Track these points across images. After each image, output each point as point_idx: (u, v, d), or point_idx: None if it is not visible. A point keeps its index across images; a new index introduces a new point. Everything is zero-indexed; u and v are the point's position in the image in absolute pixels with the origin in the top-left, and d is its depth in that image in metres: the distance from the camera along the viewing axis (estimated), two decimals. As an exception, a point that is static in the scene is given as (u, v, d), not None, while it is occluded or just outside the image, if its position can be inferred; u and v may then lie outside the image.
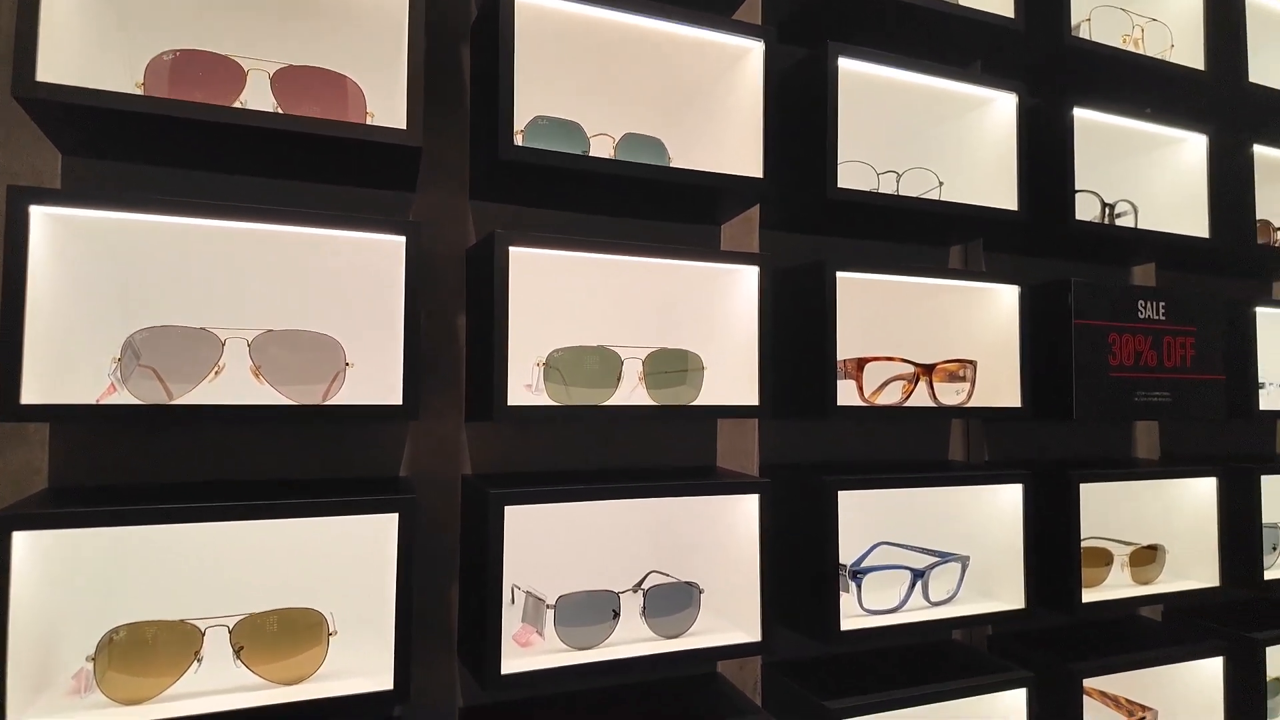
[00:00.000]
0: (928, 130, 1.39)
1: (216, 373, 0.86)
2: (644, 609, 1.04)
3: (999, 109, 1.29)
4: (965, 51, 1.38)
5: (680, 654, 1.00)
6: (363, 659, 0.91)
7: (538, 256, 0.97)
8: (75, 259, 0.84)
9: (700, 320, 1.16)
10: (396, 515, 0.86)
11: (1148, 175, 1.57)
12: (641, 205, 1.15)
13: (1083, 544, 1.37)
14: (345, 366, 0.91)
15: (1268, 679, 1.45)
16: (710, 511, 1.13)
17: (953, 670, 1.24)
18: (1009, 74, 1.42)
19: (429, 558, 1.06)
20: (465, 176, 1.10)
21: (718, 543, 1.12)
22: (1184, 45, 1.49)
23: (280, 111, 0.90)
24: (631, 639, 1.02)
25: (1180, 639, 1.42)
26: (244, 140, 0.87)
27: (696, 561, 1.14)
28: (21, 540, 0.75)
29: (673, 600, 1.05)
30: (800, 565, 1.15)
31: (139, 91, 0.86)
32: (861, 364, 1.18)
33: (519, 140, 1.01)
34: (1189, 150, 1.51)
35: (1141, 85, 1.48)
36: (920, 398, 1.21)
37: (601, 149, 1.07)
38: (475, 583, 0.95)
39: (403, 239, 0.88)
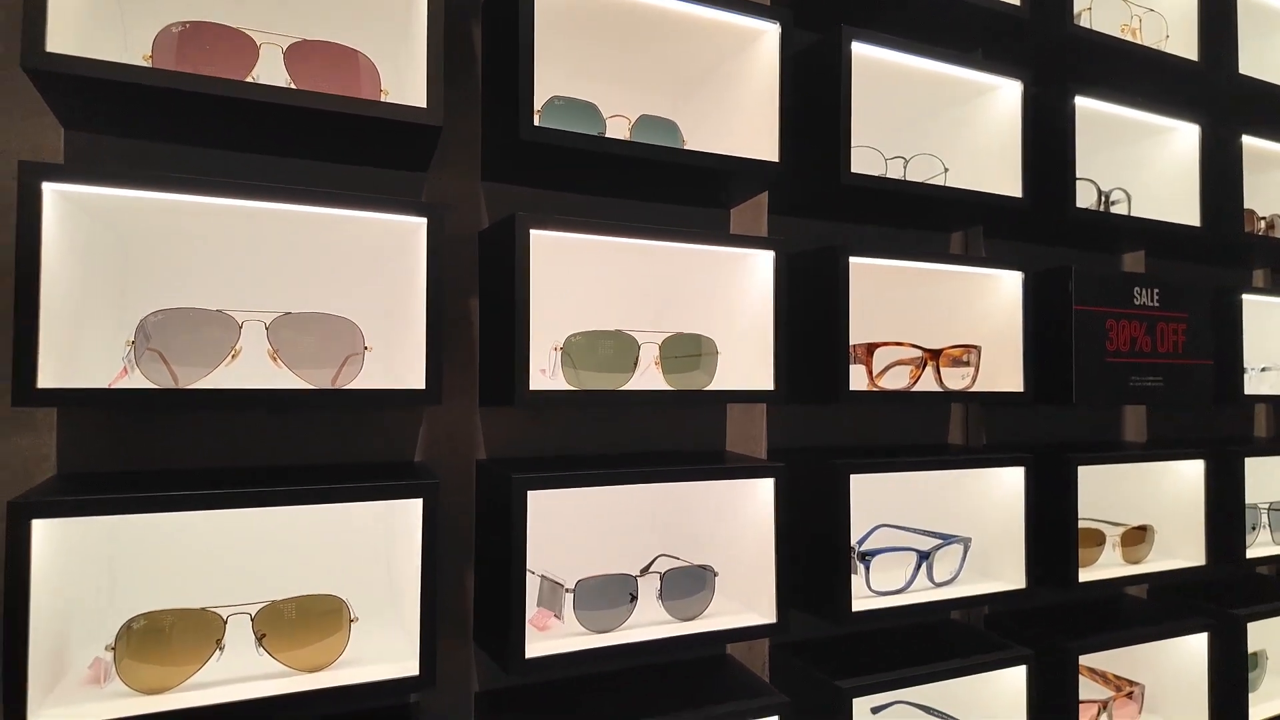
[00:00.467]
0: (933, 116, 1.40)
1: (234, 356, 0.84)
2: (660, 592, 1.04)
3: (1003, 96, 1.30)
4: (967, 38, 1.39)
5: (696, 636, 1.01)
6: (382, 644, 0.91)
7: (551, 240, 0.96)
8: (83, 238, 0.81)
9: (713, 304, 1.16)
10: (420, 500, 0.85)
11: (1140, 164, 1.59)
12: (653, 188, 1.14)
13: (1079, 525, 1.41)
14: (364, 350, 0.90)
15: (1249, 653, 1.50)
16: (723, 496, 1.14)
17: (954, 649, 1.27)
18: (1007, 62, 1.43)
19: (445, 544, 1.05)
20: (477, 157, 1.09)
21: (730, 526, 1.13)
22: (1178, 36, 1.52)
23: (294, 87, 0.88)
24: (647, 622, 1.02)
25: (1166, 616, 1.47)
26: (256, 116, 0.85)
27: (709, 545, 1.15)
28: (38, 530, 0.73)
29: (688, 583, 1.06)
30: (811, 548, 1.16)
31: (146, 65, 0.83)
32: (871, 349, 1.19)
33: (536, 120, 0.99)
34: (1181, 140, 1.54)
35: (1137, 75, 1.50)
36: (927, 382, 1.23)
37: (617, 130, 1.06)
38: (495, 567, 0.95)
39: (424, 221, 0.87)
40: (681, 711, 0.99)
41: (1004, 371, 1.30)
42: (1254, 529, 1.58)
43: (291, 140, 0.94)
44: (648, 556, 1.12)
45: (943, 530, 1.33)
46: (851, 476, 1.12)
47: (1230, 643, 1.47)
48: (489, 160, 1.06)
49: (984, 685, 1.31)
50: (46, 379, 0.73)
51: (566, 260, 1.09)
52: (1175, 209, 1.53)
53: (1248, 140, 1.58)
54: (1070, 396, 1.30)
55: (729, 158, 1.03)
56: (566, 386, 0.98)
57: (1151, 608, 1.55)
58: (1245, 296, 1.56)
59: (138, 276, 0.90)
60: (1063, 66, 1.45)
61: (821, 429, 1.35)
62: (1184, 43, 1.52)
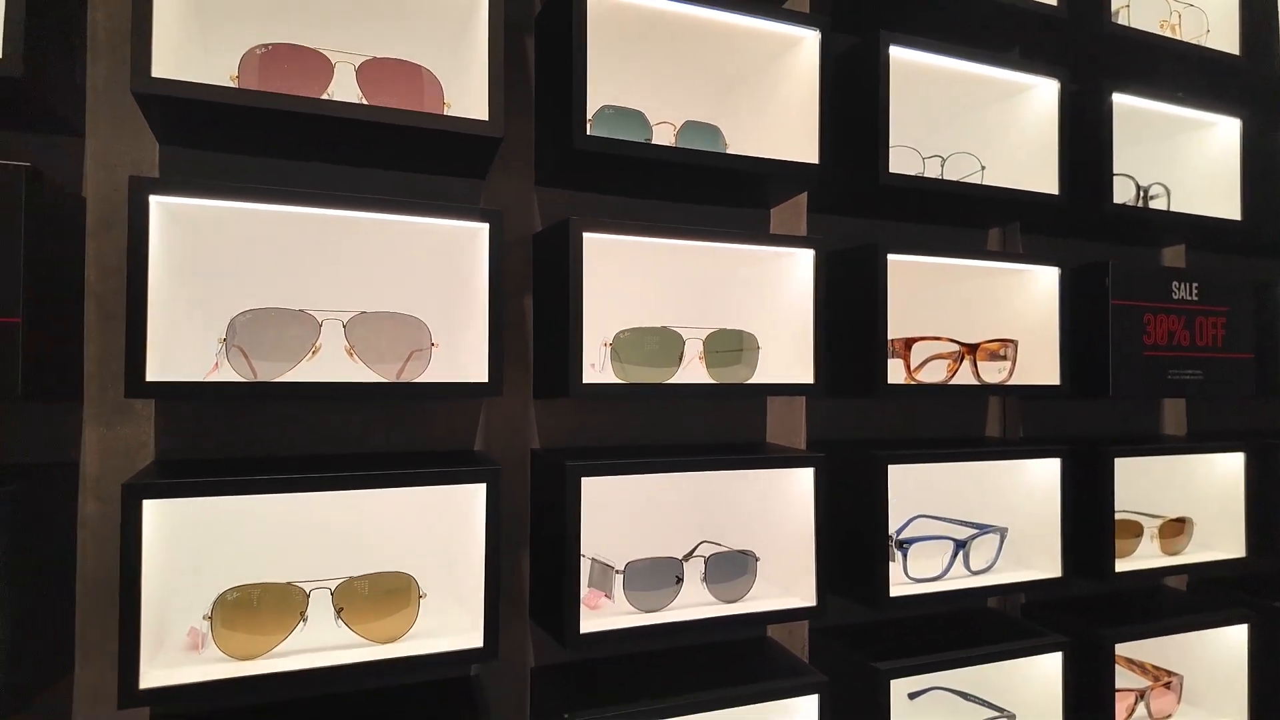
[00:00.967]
0: (971, 115, 1.43)
1: (314, 352, 0.91)
2: (704, 575, 1.09)
3: (1040, 94, 1.33)
4: (1005, 37, 1.41)
5: (739, 617, 1.06)
6: (447, 619, 0.98)
7: (602, 241, 1.01)
8: (178, 243, 0.89)
9: (754, 301, 1.21)
10: (484, 485, 0.92)
11: (1181, 158, 1.60)
12: (696, 190, 1.19)
13: (1116, 517, 1.43)
14: (431, 346, 0.97)
15: (1290, 645, 1.51)
16: (765, 485, 1.19)
17: (991, 635, 1.30)
18: (1045, 60, 1.45)
19: (502, 527, 1.11)
20: (530, 164, 1.15)
21: (772, 514, 1.18)
22: (1220, 31, 1.52)
23: (365, 102, 0.95)
24: (692, 603, 1.08)
25: (1205, 608, 1.48)
26: (333, 131, 0.92)
27: (752, 532, 1.20)
28: (146, 508, 0.81)
29: (731, 568, 1.11)
30: (850, 536, 1.20)
31: (233, 84, 0.91)
32: (909, 344, 1.23)
33: (588, 129, 1.05)
34: (1222, 134, 1.54)
35: (1177, 70, 1.51)
36: (964, 376, 1.26)
37: (663, 136, 1.12)
38: (551, 549, 1.01)
39: (485, 226, 0.93)
40: (724, 688, 1.04)
41: (1041, 365, 1.33)
42: (1297, 522, 1.58)
43: (362, 151, 1.01)
44: (693, 542, 1.17)
45: (981, 520, 1.36)
46: (890, 467, 1.17)
47: (1270, 634, 1.48)
48: (543, 166, 1.12)
49: (1020, 672, 1.34)
50: (152, 373, 0.81)
51: (616, 260, 1.15)
52: (1217, 203, 1.54)
53: (1292, 133, 1.57)
54: (1107, 390, 1.32)
55: (769, 160, 1.07)
56: (615, 380, 1.04)
57: (1190, 599, 1.56)
58: (1288, 290, 1.56)
59: (225, 279, 0.98)
60: (1101, 64, 1.47)
61: (862, 421, 1.39)
62: (1225, 37, 1.52)
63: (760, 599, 1.12)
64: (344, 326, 0.92)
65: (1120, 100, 1.37)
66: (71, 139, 0.93)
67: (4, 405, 0.90)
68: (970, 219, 1.42)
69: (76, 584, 0.92)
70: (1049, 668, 1.30)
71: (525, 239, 1.15)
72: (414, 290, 1.05)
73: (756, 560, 1.13)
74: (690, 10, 1.05)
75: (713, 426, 1.26)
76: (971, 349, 1.26)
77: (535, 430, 1.15)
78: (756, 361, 1.14)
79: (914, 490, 1.40)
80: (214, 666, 0.85)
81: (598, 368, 1.06)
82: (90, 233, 0.94)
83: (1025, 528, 1.35)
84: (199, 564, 0.96)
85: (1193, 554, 1.49)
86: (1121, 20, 1.42)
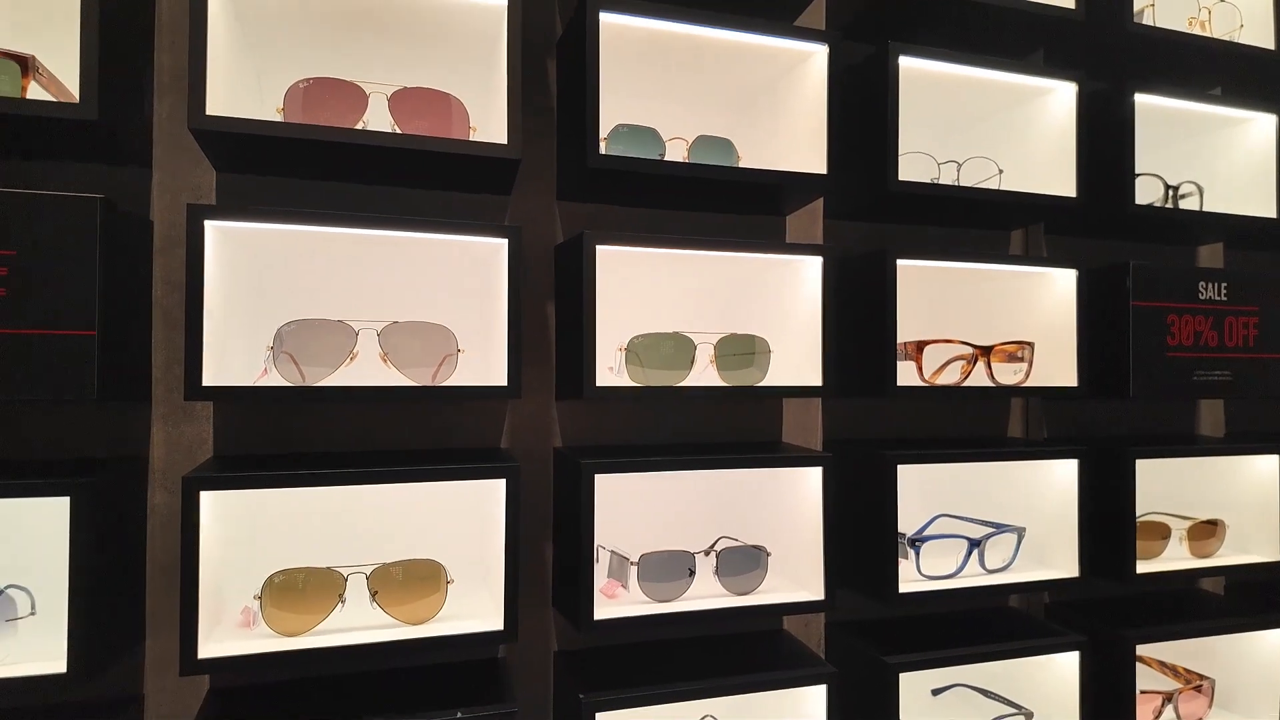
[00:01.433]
0: (990, 120, 1.44)
1: (351, 358, 1.00)
2: (717, 569, 1.15)
3: (1059, 97, 1.34)
4: (1027, 41, 1.42)
5: (749, 609, 1.12)
6: (473, 604, 1.06)
7: (620, 252, 1.08)
8: (230, 261, 0.99)
9: (768, 306, 1.25)
10: (504, 480, 1.00)
11: (1217, 156, 1.58)
12: (712, 200, 1.24)
13: (1142, 518, 1.42)
14: (458, 352, 1.05)
15: (1329, 652, 1.47)
16: (777, 483, 1.23)
17: (1009, 634, 1.32)
18: (1072, 61, 1.46)
19: (526, 520, 1.19)
20: (553, 179, 1.22)
21: (784, 511, 1.22)
22: (1255, 26, 1.49)
23: (397, 129, 1.03)
24: (706, 595, 1.13)
25: (1240, 612, 1.46)
26: (368, 156, 1.01)
27: (764, 528, 1.25)
28: (204, 499, 0.91)
29: (743, 561, 1.16)
30: (863, 533, 1.24)
31: (279, 116, 1.01)
32: (921, 346, 1.25)
33: (603, 147, 1.11)
34: (1258, 130, 1.51)
35: (1209, 67, 1.49)
36: (979, 377, 1.28)
37: (676, 151, 1.17)
38: (569, 541, 1.08)
39: (505, 241, 1.01)
40: (733, 675, 1.10)
41: (1061, 367, 1.34)
42: (1341, 526, 1.54)
43: (396, 172, 1.09)
44: (710, 537, 1.23)
45: (1003, 521, 1.38)
46: (907, 467, 1.21)
47: (1308, 640, 1.45)
48: (563, 181, 1.19)
49: (1043, 671, 1.35)
50: (208, 378, 0.91)
51: (633, 269, 1.21)
52: (1253, 201, 1.51)
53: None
54: (1128, 391, 1.32)
55: (777, 172, 1.12)
56: (631, 383, 1.10)
57: (1224, 603, 1.54)
58: (1329, 288, 1.52)
59: (273, 292, 1.08)
60: (1125, 64, 1.46)
61: (882, 422, 1.42)
62: (1261, 32, 1.50)
63: (771, 592, 1.17)
64: (378, 335, 1.01)
65: (1151, 100, 1.37)
66: (141, 169, 1.04)
67: (81, 407, 1.01)
68: (990, 221, 1.44)
69: (146, 566, 1.04)
70: (1071, 667, 1.31)
71: (549, 250, 1.22)
72: (443, 301, 1.13)
73: (768, 555, 1.18)
74: (704, 31, 1.11)
75: (731, 427, 1.31)
76: (985, 351, 1.28)
77: (557, 430, 1.22)
78: (768, 364, 1.18)
79: (938, 490, 1.42)
80: (263, 641, 0.95)
81: (615, 371, 1.13)
82: (157, 252, 1.05)
83: (1046, 528, 1.36)
84: (253, 549, 1.06)
85: (1226, 557, 1.48)
86: (1146, 19, 1.41)
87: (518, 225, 1.02)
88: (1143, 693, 1.40)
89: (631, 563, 1.11)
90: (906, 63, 1.22)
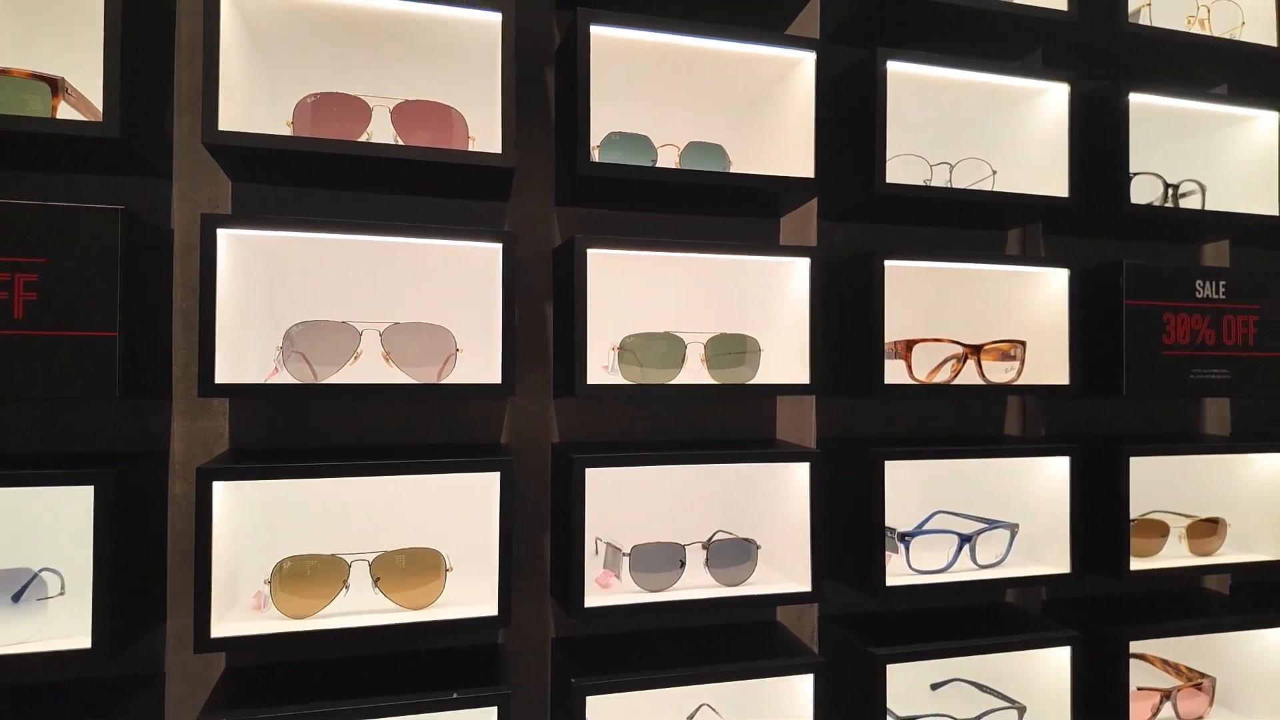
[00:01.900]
0: (984, 121, 1.46)
1: (355, 357, 1.06)
2: (707, 561, 1.19)
3: (1053, 98, 1.35)
4: (1023, 43, 1.43)
5: (738, 599, 1.16)
6: (471, 591, 1.11)
7: (614, 255, 1.12)
8: (244, 265, 1.06)
9: (760, 307, 1.29)
10: (498, 474, 1.05)
11: (1221, 154, 1.57)
12: (706, 204, 1.28)
13: (1141, 516, 1.43)
14: (456, 351, 1.10)
15: (1334, 652, 1.47)
16: (769, 478, 1.27)
17: (1002, 629, 1.34)
18: (1071, 61, 1.47)
19: (526, 513, 1.25)
20: (551, 185, 1.27)
21: (775, 506, 1.26)
22: (1257, 23, 1.49)
23: (400, 141, 1.09)
24: (697, 585, 1.17)
25: (1241, 611, 1.46)
26: (372, 166, 1.06)
27: (756, 522, 1.28)
28: (217, 489, 0.97)
29: (733, 554, 1.20)
30: (852, 527, 1.27)
31: (289, 129, 1.07)
32: (910, 345, 1.28)
33: (595, 155, 1.16)
34: (1262, 128, 1.51)
35: (1211, 65, 1.49)
36: (970, 376, 1.30)
37: (669, 157, 1.22)
38: (563, 532, 1.13)
39: (499, 246, 1.06)
40: (721, 664, 1.13)
41: (1056, 365, 1.35)
42: (1349, 526, 1.53)
43: (399, 181, 1.15)
44: (704, 530, 1.27)
45: (999, 518, 1.39)
46: (905, 465, 1.23)
47: (1311, 640, 1.45)
48: (560, 188, 1.24)
49: (1038, 667, 1.37)
50: (221, 376, 0.97)
51: (628, 271, 1.25)
52: (1257, 199, 1.51)
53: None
54: (1121, 389, 1.33)
55: (763, 177, 1.16)
56: (624, 381, 1.15)
57: (1228, 602, 1.54)
58: (1334, 285, 1.51)
59: (283, 295, 1.14)
60: (1124, 64, 1.47)
61: (876, 420, 1.45)
62: (1264, 29, 1.49)
63: (762, 584, 1.20)
64: (380, 335, 1.07)
65: (1152, 100, 1.38)
66: (162, 180, 1.12)
67: (107, 403, 1.09)
68: (985, 222, 1.45)
69: (167, 551, 1.11)
70: (1064, 663, 1.32)
71: (547, 253, 1.27)
72: (446, 303, 1.19)
73: (758, 548, 1.21)
74: (695, 41, 1.14)
75: (726, 425, 1.35)
76: (975, 350, 1.30)
77: (555, 426, 1.27)
78: (758, 363, 1.22)
79: (937, 488, 1.45)
80: (272, 623, 1.01)
81: (609, 369, 1.17)
82: (177, 258, 1.12)
83: (1041, 525, 1.37)
84: (268, 537, 1.13)
85: (1229, 555, 1.47)
86: (1143, 19, 1.42)
87: (512, 231, 1.07)
88: (1140, 689, 1.41)
89: (624, 554, 1.15)
90: (898, 67, 1.24)
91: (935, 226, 1.48)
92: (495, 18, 1.05)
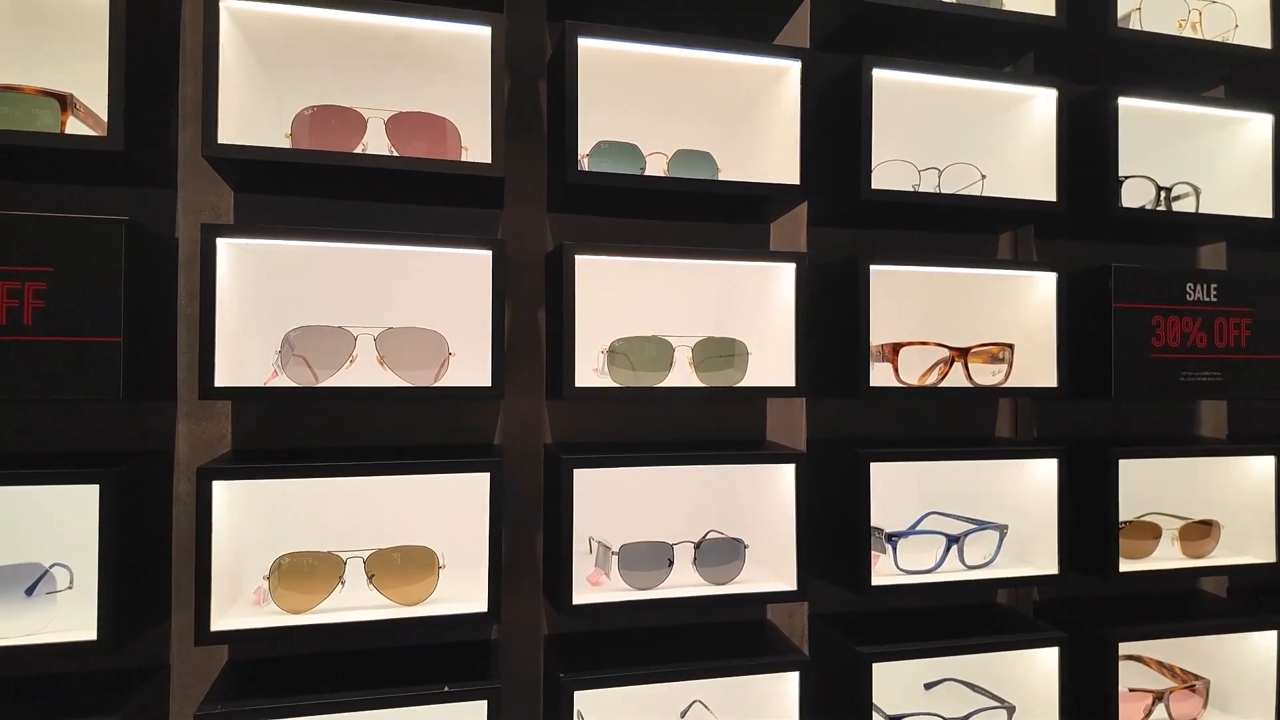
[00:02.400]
0: (973, 127, 1.47)
1: (351, 361, 1.10)
2: (695, 560, 1.21)
3: (1042, 103, 1.36)
4: (1014, 49, 1.44)
5: (725, 598, 1.18)
6: (463, 589, 1.14)
7: (604, 261, 1.15)
8: (243, 272, 1.10)
9: (749, 311, 1.31)
10: (488, 474, 1.08)
11: (1216, 156, 1.57)
12: (695, 210, 1.31)
13: (1133, 519, 1.44)
14: (449, 356, 1.13)
15: (1328, 655, 1.46)
16: (756, 479, 1.29)
17: (990, 629, 1.35)
18: (1061, 67, 1.48)
19: (519, 512, 1.28)
20: (544, 192, 1.30)
21: (763, 506, 1.28)
22: (1251, 25, 1.49)
23: (394, 152, 1.12)
24: (685, 584, 1.20)
25: (1233, 613, 1.46)
26: (367, 176, 1.10)
27: (745, 522, 1.31)
28: (217, 488, 1.01)
29: (721, 553, 1.22)
30: (841, 528, 1.29)
31: (287, 141, 1.11)
32: (897, 348, 1.30)
33: (585, 163, 1.19)
34: (1256, 130, 1.51)
35: (1203, 68, 1.49)
36: (957, 378, 1.32)
37: (657, 165, 1.24)
38: (554, 531, 1.16)
39: (489, 253, 1.09)
40: (707, 660, 1.16)
41: (1045, 368, 1.36)
42: (1346, 529, 1.52)
43: (395, 190, 1.18)
44: (695, 530, 1.29)
45: (990, 519, 1.41)
46: (897, 467, 1.25)
47: (1304, 642, 1.45)
48: (552, 196, 1.27)
49: (1028, 667, 1.38)
50: (221, 379, 1.01)
51: (619, 277, 1.28)
52: (1251, 201, 1.51)
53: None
54: (1110, 391, 1.34)
55: (750, 184, 1.18)
56: (613, 384, 1.17)
57: (1223, 604, 1.54)
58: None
59: (282, 301, 1.18)
60: (1115, 69, 1.48)
61: (866, 422, 1.46)
62: (1258, 32, 1.49)
63: (749, 583, 1.23)
64: (375, 339, 1.11)
65: (1144, 104, 1.39)
66: (167, 190, 1.16)
67: (115, 405, 1.13)
68: (974, 226, 1.47)
69: (172, 548, 1.15)
70: (1051, 663, 1.33)
71: (539, 259, 1.30)
72: (438, 308, 1.22)
73: (745, 547, 1.24)
74: (682, 52, 1.17)
75: (716, 426, 1.38)
76: (963, 353, 1.32)
77: (548, 427, 1.30)
78: (746, 366, 1.24)
79: (930, 490, 1.47)
80: (270, 617, 1.05)
81: (599, 372, 1.20)
82: (182, 265, 1.16)
83: (1031, 526, 1.39)
84: (269, 535, 1.17)
85: (1222, 558, 1.48)
86: (1134, 23, 1.43)
87: (501, 238, 1.10)
88: (1132, 690, 1.42)
89: (613, 552, 1.18)
90: (885, 74, 1.26)
91: (925, 231, 1.50)
92: (486, 31, 1.09)
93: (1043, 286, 1.38)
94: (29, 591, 1.03)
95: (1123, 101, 1.37)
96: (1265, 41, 1.49)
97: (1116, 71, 1.49)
